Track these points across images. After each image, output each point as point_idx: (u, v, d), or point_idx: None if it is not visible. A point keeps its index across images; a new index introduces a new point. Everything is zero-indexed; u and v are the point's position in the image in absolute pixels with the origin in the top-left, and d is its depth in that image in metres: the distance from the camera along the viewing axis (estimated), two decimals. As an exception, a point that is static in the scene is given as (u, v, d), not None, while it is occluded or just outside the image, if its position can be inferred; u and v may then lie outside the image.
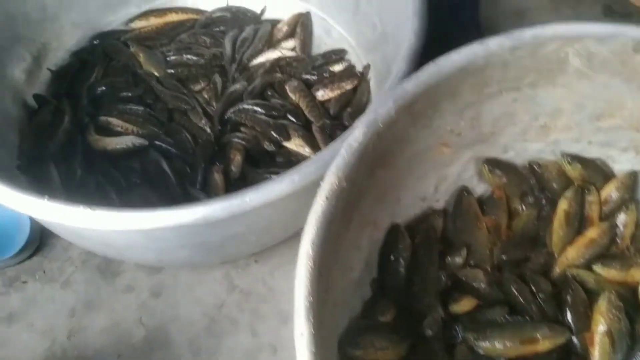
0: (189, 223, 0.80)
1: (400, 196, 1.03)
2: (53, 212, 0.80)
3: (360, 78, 1.35)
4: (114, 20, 1.48)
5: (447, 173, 1.07)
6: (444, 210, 1.09)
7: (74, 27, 1.41)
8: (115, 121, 1.27)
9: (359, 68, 1.38)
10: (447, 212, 1.09)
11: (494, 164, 1.06)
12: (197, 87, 1.36)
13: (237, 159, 1.21)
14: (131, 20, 1.47)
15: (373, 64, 1.33)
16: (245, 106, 1.28)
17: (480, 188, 1.10)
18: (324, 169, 0.75)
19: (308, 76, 1.36)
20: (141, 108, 1.29)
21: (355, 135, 0.80)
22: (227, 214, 0.80)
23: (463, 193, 1.07)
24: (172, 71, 1.37)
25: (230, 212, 0.81)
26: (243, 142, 1.22)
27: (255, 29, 1.45)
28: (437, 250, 1.01)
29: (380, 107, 0.83)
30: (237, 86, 1.33)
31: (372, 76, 1.33)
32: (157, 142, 1.24)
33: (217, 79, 1.35)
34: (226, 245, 0.99)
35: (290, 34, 1.48)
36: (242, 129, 1.29)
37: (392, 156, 0.93)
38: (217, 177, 1.17)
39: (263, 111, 1.27)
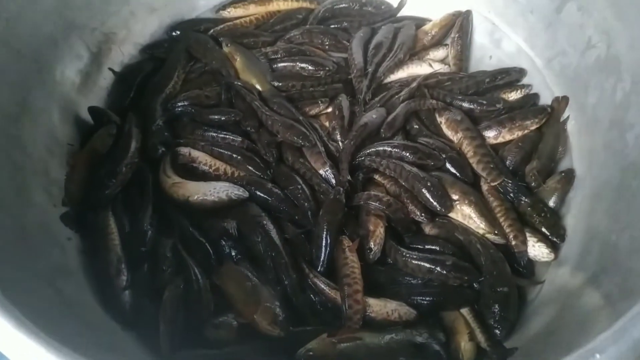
0: None
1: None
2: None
3: (548, 116, 0.93)
4: (201, 4, 1.08)
5: None
6: None
7: (149, 12, 1.03)
8: (201, 156, 0.90)
9: (544, 99, 0.97)
10: None
11: None
12: (314, 111, 0.97)
13: (378, 232, 0.82)
14: (224, 6, 1.08)
15: (576, 98, 0.91)
16: (387, 148, 0.89)
17: None
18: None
19: (472, 105, 0.95)
20: (239, 139, 0.91)
21: None
22: None
23: None
24: (280, 84, 0.98)
25: None
26: (386, 211, 0.83)
27: (393, 31, 1.04)
28: None
29: None
30: (373, 115, 0.93)
31: (570, 116, 0.91)
32: (260, 194, 0.86)
33: (344, 101, 0.95)
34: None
35: (441, 40, 1.06)
36: (378, 178, 0.90)
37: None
38: (351, 259, 0.79)
39: (413, 158, 0.87)
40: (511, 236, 0.82)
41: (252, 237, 0.81)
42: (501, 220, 0.83)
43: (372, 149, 0.89)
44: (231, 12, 1.07)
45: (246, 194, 0.85)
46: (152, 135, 0.91)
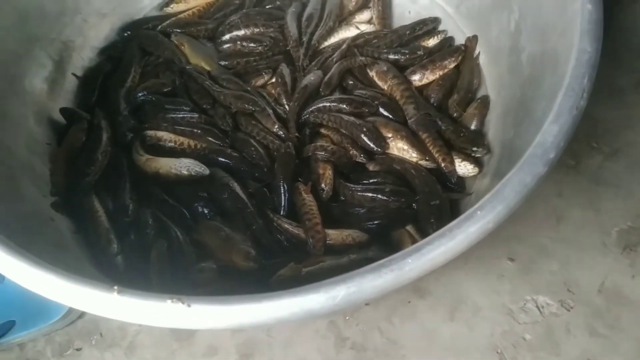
0: (321, 309, 0.55)
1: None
2: (129, 312, 0.56)
3: (463, 53, 1.06)
4: (146, 4, 1.20)
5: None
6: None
7: (100, 17, 1.14)
8: (166, 135, 1.01)
9: (459, 41, 1.10)
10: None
11: None
12: (260, 82, 1.09)
13: (327, 174, 0.95)
14: (167, 3, 1.20)
15: (482, 35, 1.04)
16: (326, 104, 1.01)
17: None
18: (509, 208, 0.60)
19: (397, 56, 1.08)
20: (196, 115, 1.03)
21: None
22: (375, 291, 0.56)
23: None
24: (226, 63, 1.10)
25: (380, 289, 0.56)
26: (331, 158, 0.96)
27: (321, 2, 1.17)
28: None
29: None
30: (312, 77, 1.05)
31: (480, 51, 1.05)
32: (222, 159, 0.98)
33: (285, 69, 1.08)
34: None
35: (364, 4, 1.19)
36: (323, 130, 1.03)
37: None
38: (307, 199, 0.91)
39: (349, 108, 1.00)
40: (440, 159, 0.95)
41: (220, 196, 0.93)
42: (430, 148, 0.96)
43: (314, 107, 1.02)
44: (174, 8, 1.18)
45: (207, 172, 0.95)
46: (120, 124, 1.02)
